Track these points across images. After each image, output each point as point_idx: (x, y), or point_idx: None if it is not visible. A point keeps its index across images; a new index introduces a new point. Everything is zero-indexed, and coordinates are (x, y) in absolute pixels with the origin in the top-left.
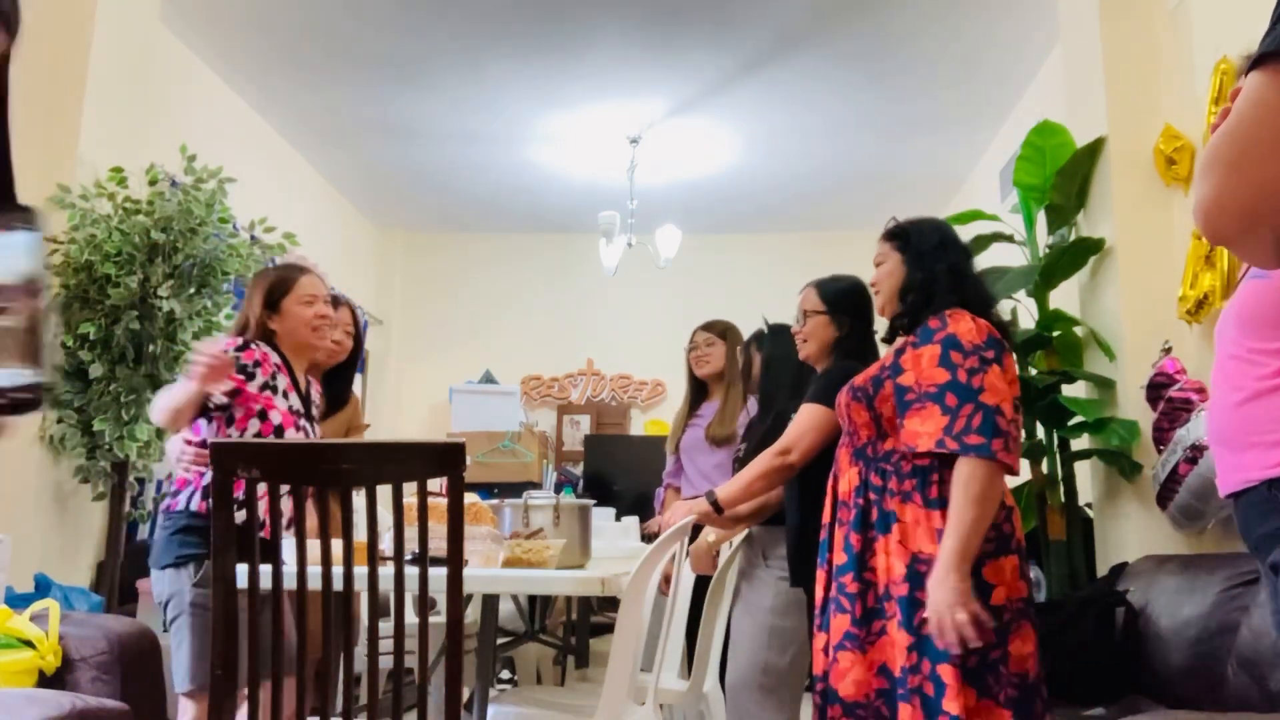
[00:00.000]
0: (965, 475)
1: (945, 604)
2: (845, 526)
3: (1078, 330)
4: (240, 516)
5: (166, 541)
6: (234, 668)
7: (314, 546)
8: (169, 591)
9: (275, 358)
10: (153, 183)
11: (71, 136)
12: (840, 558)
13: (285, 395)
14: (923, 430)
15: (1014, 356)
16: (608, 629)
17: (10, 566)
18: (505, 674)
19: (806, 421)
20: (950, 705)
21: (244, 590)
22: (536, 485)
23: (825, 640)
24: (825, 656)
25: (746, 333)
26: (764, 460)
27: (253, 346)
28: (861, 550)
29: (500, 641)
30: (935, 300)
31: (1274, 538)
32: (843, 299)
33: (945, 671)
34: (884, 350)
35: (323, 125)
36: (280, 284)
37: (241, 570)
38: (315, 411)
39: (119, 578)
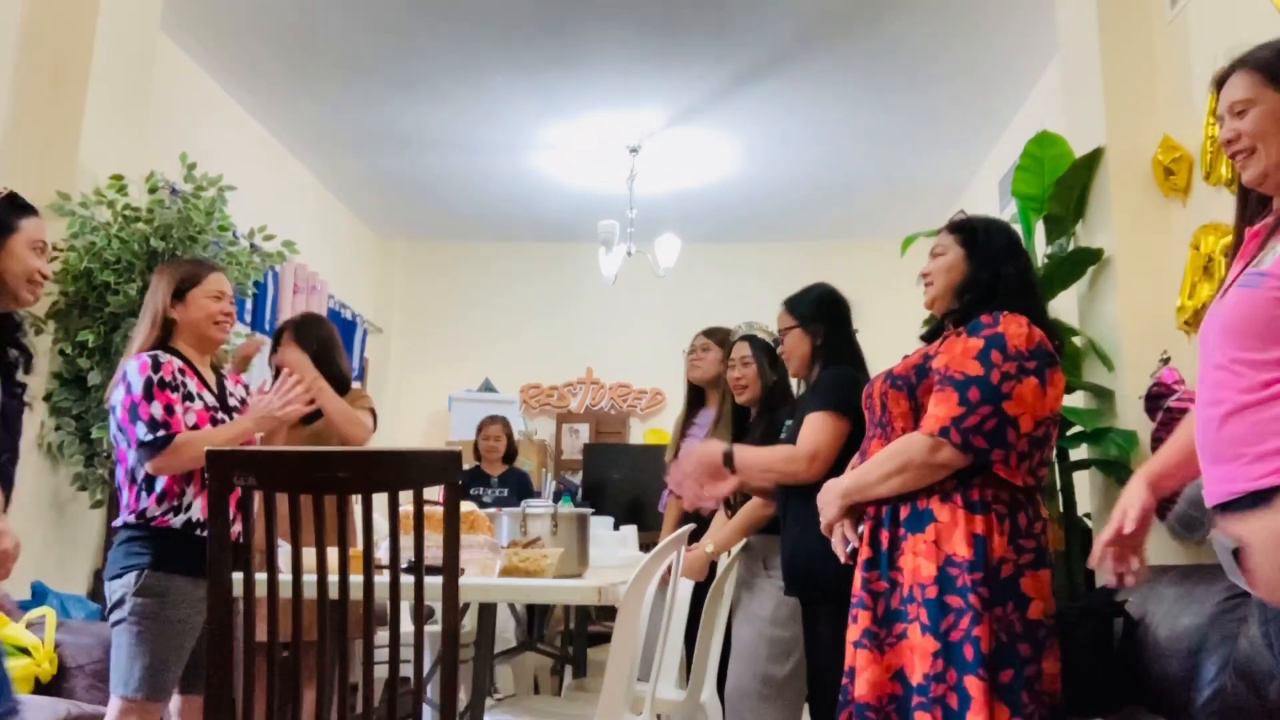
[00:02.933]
0: (915, 444)
1: (831, 517)
2: (871, 521)
3: (1076, 340)
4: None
5: (113, 553)
6: (230, 674)
7: (309, 555)
8: (115, 598)
9: (177, 361)
10: (152, 190)
11: (72, 144)
12: (866, 552)
13: (199, 396)
14: (934, 413)
15: (1061, 372)
16: (605, 638)
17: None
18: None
19: (822, 431)
20: (974, 718)
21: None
22: (535, 494)
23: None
24: (852, 651)
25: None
26: (786, 460)
27: (162, 361)
28: (890, 548)
29: (497, 651)
30: (997, 302)
31: None
32: (812, 308)
33: (971, 684)
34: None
35: (323, 133)
36: (191, 276)
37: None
38: (235, 402)
39: None
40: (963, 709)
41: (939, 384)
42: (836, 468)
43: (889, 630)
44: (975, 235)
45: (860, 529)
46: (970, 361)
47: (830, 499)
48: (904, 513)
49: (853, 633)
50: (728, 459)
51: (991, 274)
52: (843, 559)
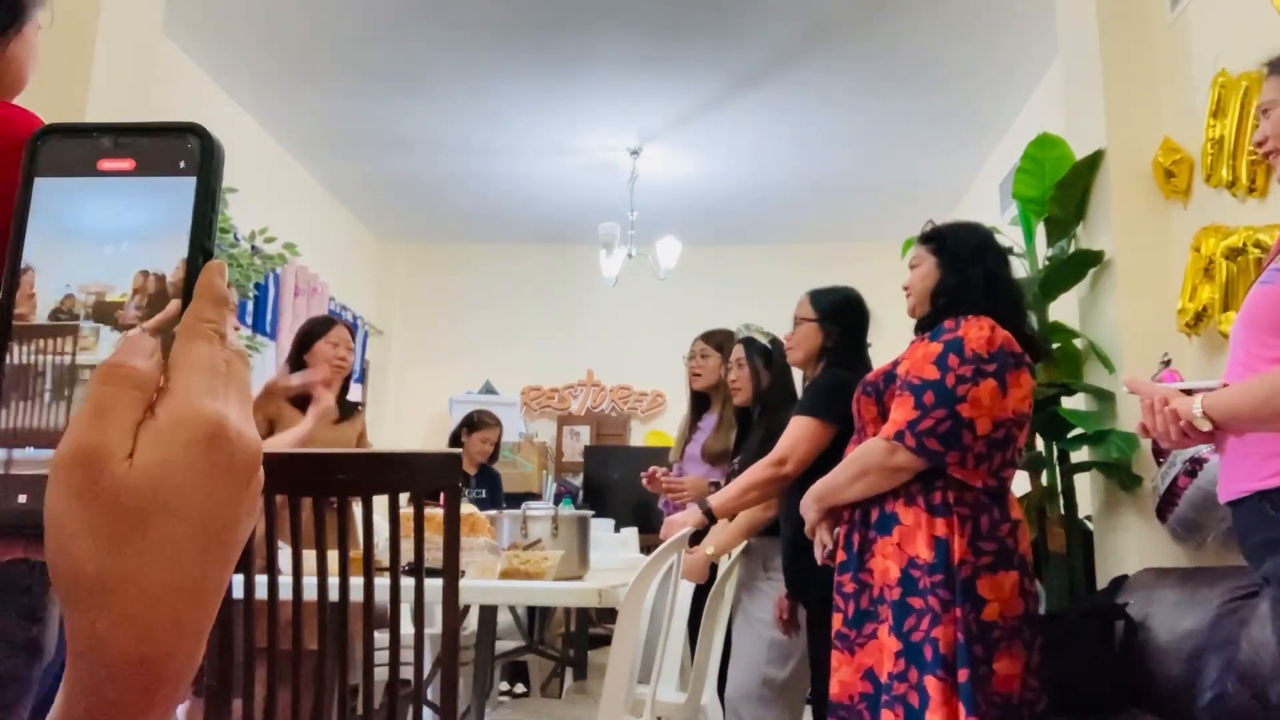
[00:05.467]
0: (874, 449)
1: (811, 521)
2: (846, 525)
3: (1077, 342)
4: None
5: None
6: (229, 678)
7: (310, 557)
8: None
9: None
10: None
11: None
12: (841, 555)
13: None
14: (893, 418)
15: (1030, 373)
16: (606, 641)
17: None
18: (504, 685)
19: (798, 432)
20: (932, 717)
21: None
22: (536, 496)
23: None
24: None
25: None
26: (758, 470)
27: None
28: (860, 550)
29: (498, 653)
30: (965, 305)
31: (1265, 549)
32: (834, 309)
33: (930, 683)
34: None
35: (324, 136)
36: None
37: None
38: None
39: None
40: (923, 708)
41: (899, 389)
42: (814, 469)
43: (859, 630)
44: (944, 242)
45: (836, 532)
46: (928, 366)
47: (808, 504)
48: (874, 516)
49: (831, 634)
50: (708, 514)
51: (960, 277)
52: (819, 561)
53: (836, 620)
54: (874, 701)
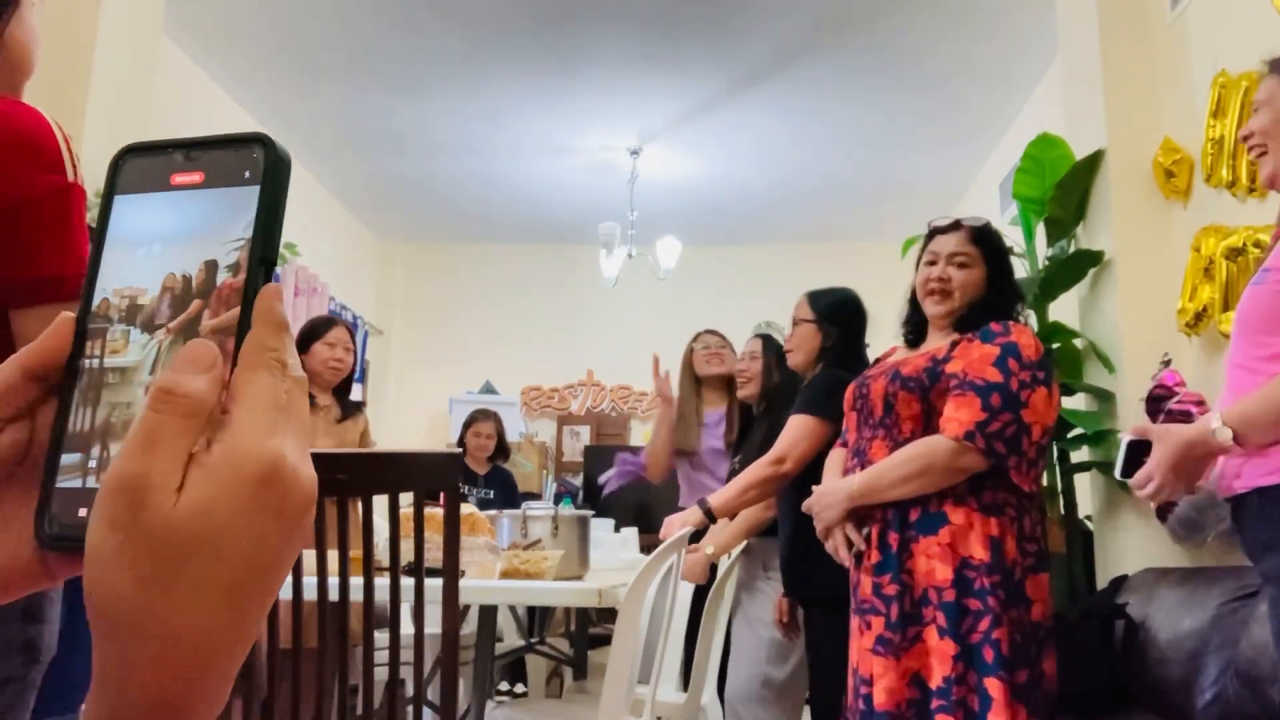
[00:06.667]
0: (939, 448)
1: (832, 520)
2: (878, 524)
3: (1077, 342)
4: None
5: None
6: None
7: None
8: None
9: None
10: None
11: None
12: (875, 556)
13: None
14: (955, 416)
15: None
16: (606, 640)
17: None
18: (504, 685)
19: (798, 431)
20: (995, 719)
21: None
22: (536, 496)
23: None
24: (869, 658)
25: (739, 344)
26: (758, 469)
27: None
28: (899, 550)
29: (498, 653)
30: (996, 312)
31: (1263, 547)
32: (832, 310)
33: (993, 685)
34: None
35: (324, 136)
36: None
37: None
38: None
39: None
40: (984, 710)
41: (957, 388)
42: (812, 468)
43: (903, 634)
44: (999, 254)
45: (865, 531)
46: (989, 368)
47: (833, 502)
48: (914, 515)
49: (866, 640)
50: (708, 513)
51: (1002, 287)
52: (846, 563)
53: (877, 624)
54: (922, 708)
